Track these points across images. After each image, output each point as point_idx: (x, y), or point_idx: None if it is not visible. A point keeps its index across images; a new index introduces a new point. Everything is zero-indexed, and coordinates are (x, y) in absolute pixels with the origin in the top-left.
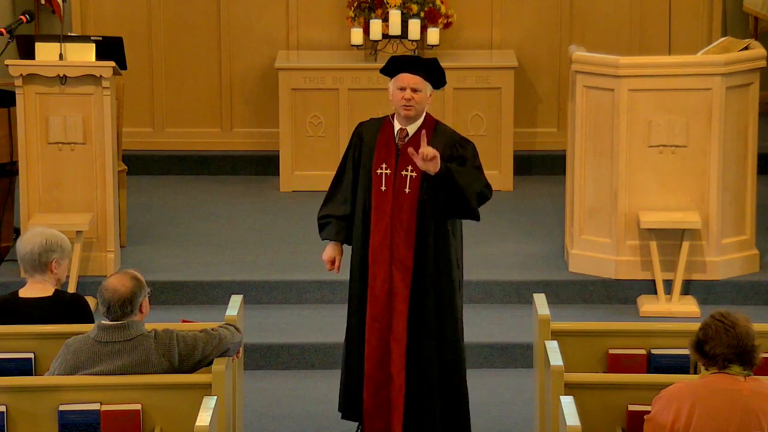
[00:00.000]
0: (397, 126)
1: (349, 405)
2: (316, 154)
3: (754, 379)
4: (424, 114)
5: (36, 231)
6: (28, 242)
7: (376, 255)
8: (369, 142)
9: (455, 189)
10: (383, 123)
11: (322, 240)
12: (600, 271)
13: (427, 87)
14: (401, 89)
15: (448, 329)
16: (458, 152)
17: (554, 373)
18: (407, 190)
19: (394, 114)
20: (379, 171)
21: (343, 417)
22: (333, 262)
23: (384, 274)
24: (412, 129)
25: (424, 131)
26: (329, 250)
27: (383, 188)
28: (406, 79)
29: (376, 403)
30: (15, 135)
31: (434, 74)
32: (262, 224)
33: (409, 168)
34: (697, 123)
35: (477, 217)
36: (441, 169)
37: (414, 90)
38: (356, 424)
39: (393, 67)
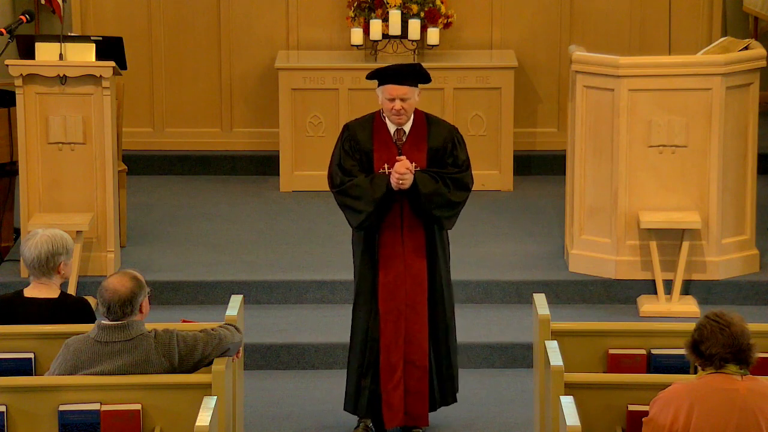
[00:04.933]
0: (392, 128)
1: (361, 402)
2: (316, 154)
3: (751, 378)
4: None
5: (40, 234)
6: (34, 247)
7: (390, 250)
8: (365, 142)
9: (420, 198)
10: (374, 121)
11: (385, 187)
12: (600, 271)
13: (414, 92)
14: (390, 100)
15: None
16: (453, 152)
17: (554, 373)
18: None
19: (381, 111)
20: (381, 171)
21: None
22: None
23: (399, 268)
24: (407, 127)
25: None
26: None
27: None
28: (394, 90)
29: (397, 393)
30: (15, 135)
31: (419, 78)
32: (262, 224)
33: (413, 164)
34: (697, 123)
35: (446, 227)
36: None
37: (402, 99)
38: (355, 423)
39: (380, 78)
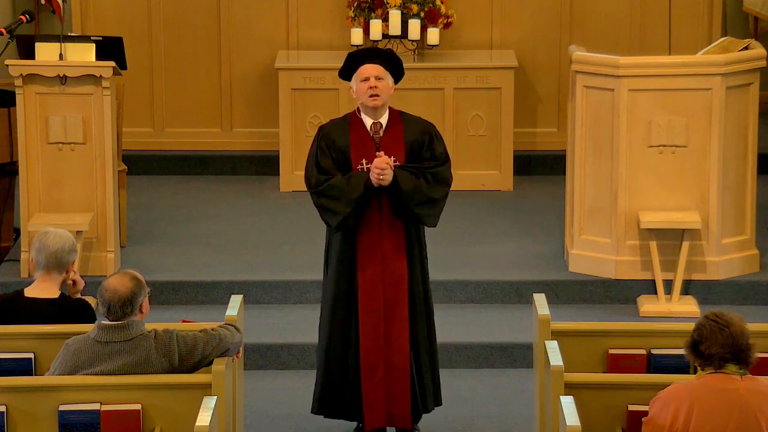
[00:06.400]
0: (369, 121)
1: (335, 403)
2: None
3: (750, 378)
4: (388, 107)
5: (58, 231)
6: (57, 239)
7: (368, 249)
8: (341, 141)
9: (400, 194)
10: (350, 120)
11: (363, 187)
12: (600, 271)
13: (388, 76)
14: (365, 80)
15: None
16: (431, 145)
17: (554, 373)
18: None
19: (357, 110)
20: (359, 167)
21: (326, 416)
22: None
23: (378, 267)
24: (384, 120)
25: (386, 157)
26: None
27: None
28: (368, 69)
29: (378, 395)
30: (15, 135)
31: (392, 63)
32: (262, 224)
33: (392, 158)
34: (697, 123)
35: (429, 224)
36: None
37: (377, 78)
38: (355, 423)
39: (351, 64)
